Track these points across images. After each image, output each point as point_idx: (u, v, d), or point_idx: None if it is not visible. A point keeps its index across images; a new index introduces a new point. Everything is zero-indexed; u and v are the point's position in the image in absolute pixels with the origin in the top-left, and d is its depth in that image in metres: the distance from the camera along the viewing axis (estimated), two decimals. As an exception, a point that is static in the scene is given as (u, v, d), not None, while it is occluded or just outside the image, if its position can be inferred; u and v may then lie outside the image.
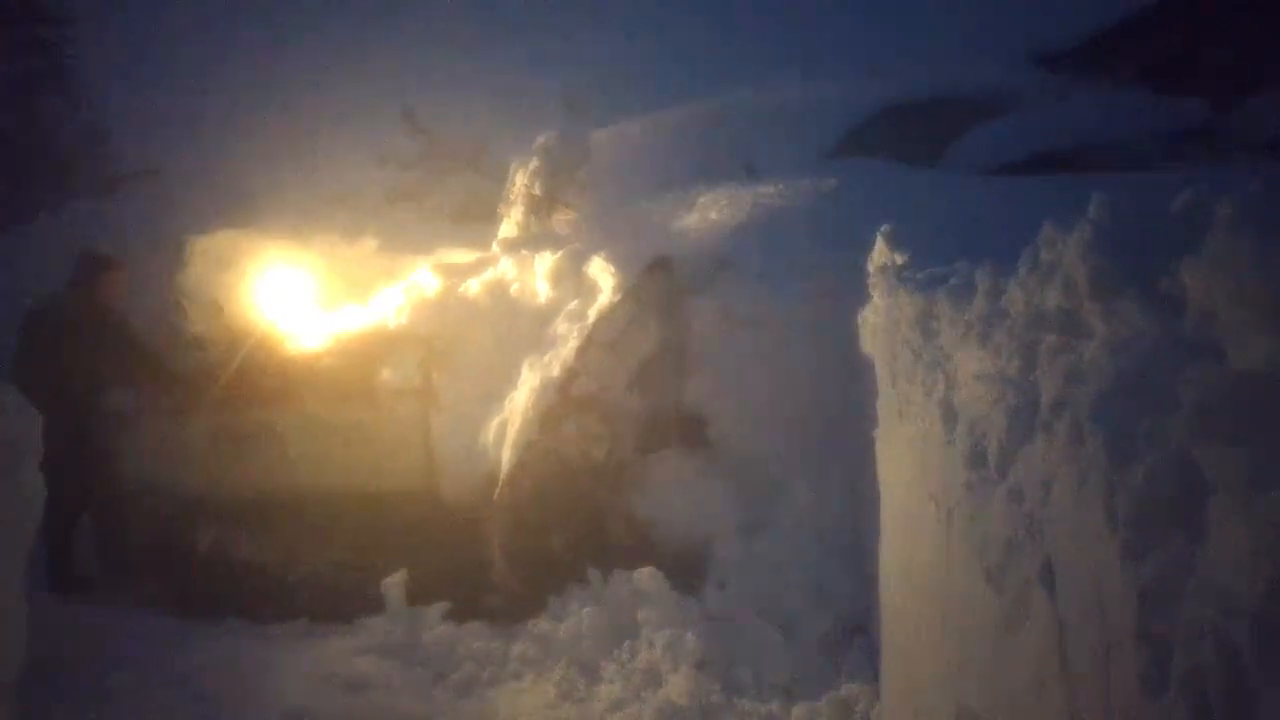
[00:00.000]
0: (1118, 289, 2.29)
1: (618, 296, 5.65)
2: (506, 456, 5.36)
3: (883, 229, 4.36)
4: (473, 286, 6.02)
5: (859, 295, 5.14)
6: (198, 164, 10.16)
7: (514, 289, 6.02)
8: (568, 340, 5.50)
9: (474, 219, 8.95)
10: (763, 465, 5.33)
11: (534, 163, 6.60)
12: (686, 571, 5.04)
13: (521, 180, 6.61)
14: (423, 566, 5.37)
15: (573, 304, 5.76)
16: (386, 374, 5.67)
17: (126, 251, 6.49)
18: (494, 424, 5.51)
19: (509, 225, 6.80)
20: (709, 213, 6.42)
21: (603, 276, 5.81)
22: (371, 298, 6.27)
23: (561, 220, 6.51)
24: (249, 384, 5.67)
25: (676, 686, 4.41)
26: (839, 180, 6.52)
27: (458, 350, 5.79)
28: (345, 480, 5.65)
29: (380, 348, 5.76)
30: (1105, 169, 6.88)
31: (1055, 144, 7.46)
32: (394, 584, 5.35)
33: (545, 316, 5.80)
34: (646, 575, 4.97)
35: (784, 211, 6.30)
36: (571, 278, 5.94)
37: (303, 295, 6.19)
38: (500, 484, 5.35)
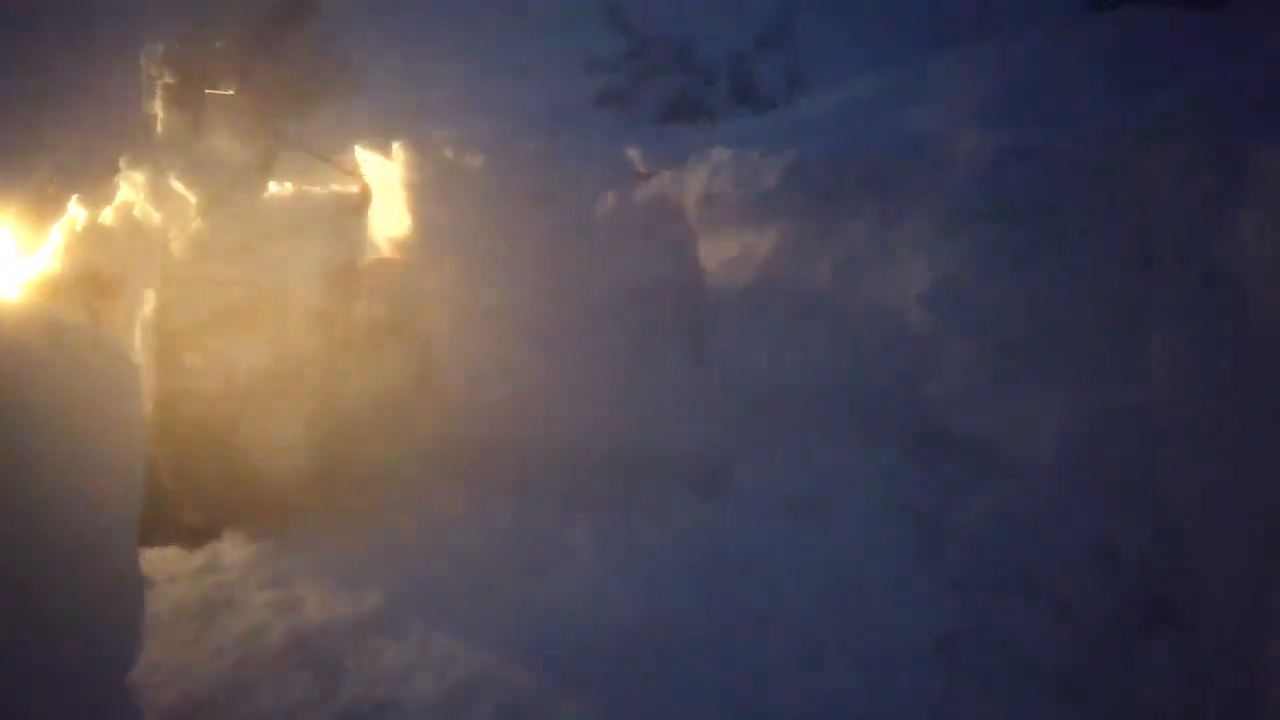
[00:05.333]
0: None
1: (196, 220, 4.71)
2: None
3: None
4: (107, 215, 4.81)
5: (1149, 167, 3.68)
6: (409, 73, 9.51)
7: (136, 212, 4.83)
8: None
9: (682, 119, 8.02)
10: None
11: (160, 47, 4.93)
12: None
13: (151, 72, 5.03)
14: None
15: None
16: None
17: None
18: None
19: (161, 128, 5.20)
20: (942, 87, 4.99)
21: (186, 196, 4.77)
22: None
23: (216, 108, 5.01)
24: None
25: None
26: (1110, 31, 4.88)
27: (121, 284, 4.68)
28: None
29: (49, 294, 4.73)
30: None
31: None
32: None
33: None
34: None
35: (1042, 75, 4.77)
36: (173, 198, 4.84)
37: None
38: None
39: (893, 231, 4.42)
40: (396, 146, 5.41)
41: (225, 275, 4.77)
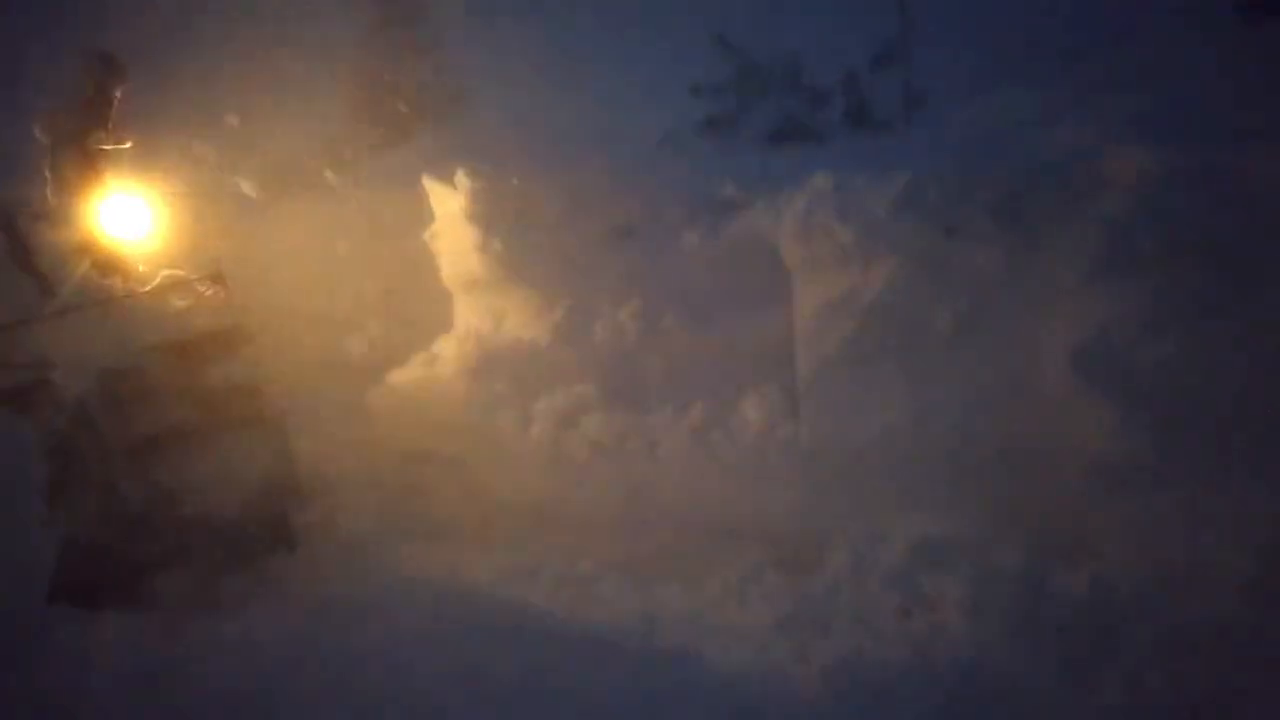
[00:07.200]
0: None
1: None
2: None
3: None
4: None
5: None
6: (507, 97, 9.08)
7: None
8: None
9: (791, 143, 7.35)
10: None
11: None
12: None
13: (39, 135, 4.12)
14: None
15: None
16: None
17: None
18: None
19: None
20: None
21: None
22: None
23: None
24: None
25: None
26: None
27: None
28: None
29: None
30: None
31: None
32: None
33: None
34: None
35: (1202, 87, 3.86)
36: None
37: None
38: None
39: (1028, 272, 3.57)
40: (460, 175, 4.85)
41: None
